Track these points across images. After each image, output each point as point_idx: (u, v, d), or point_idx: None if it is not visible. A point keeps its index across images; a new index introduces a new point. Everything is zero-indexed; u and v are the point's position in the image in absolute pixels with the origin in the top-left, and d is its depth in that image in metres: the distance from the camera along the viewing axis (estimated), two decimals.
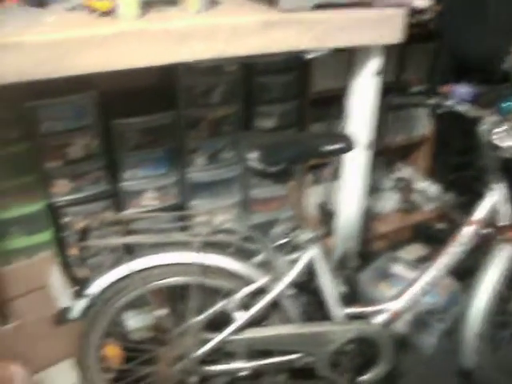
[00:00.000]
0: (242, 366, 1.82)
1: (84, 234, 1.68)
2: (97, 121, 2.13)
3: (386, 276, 2.54)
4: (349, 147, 1.64)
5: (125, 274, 1.65)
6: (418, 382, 2.19)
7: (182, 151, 2.31)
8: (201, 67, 2.12)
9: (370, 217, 2.70)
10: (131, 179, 2.27)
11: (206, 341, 1.76)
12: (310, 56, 1.91)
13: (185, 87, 2.20)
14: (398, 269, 2.54)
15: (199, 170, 2.36)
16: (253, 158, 1.55)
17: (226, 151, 2.36)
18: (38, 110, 2.05)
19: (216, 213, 1.76)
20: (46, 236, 2.24)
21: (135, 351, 1.83)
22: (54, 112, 2.09)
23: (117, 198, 2.28)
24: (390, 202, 2.92)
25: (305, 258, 1.72)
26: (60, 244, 2.26)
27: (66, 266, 2.25)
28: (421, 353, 2.33)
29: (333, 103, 2.47)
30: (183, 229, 1.75)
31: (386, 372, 1.92)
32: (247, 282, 1.72)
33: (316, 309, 1.86)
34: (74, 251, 2.22)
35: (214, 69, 2.19)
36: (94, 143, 2.16)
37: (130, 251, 1.67)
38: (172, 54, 1.69)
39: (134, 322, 2.09)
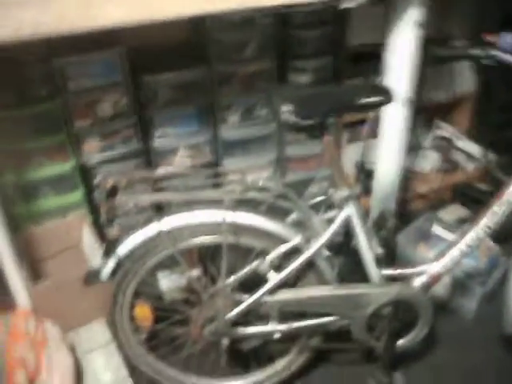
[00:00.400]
0: (274, 328, 1.77)
1: (113, 192, 1.63)
2: (126, 77, 2.09)
3: (424, 237, 2.45)
4: (387, 100, 1.55)
5: (154, 233, 1.60)
6: (457, 348, 2.11)
7: (215, 108, 2.25)
8: (233, 20, 2.04)
9: (408, 176, 2.61)
10: (162, 137, 2.23)
11: (239, 302, 1.71)
12: (344, 5, 1.81)
13: (216, 41, 2.13)
14: (438, 230, 2.45)
15: (232, 128, 2.30)
16: (286, 111, 1.47)
17: (259, 108, 2.29)
18: (66, 67, 2.02)
19: (249, 171, 1.69)
20: (77, 196, 2.22)
21: (167, 312, 1.80)
22: (83, 69, 2.05)
23: (148, 157, 2.24)
24: (429, 161, 2.82)
25: (341, 216, 1.65)
26: (91, 204, 2.23)
27: (98, 226, 2.22)
28: (460, 317, 2.25)
29: (370, 58, 2.36)
30: (215, 187, 1.69)
31: (423, 337, 1.86)
32: (281, 241, 1.65)
33: (352, 270, 1.79)
34: (104, 210, 2.21)
35: (246, 22, 2.11)
36: (123, 100, 2.12)
37: (160, 210, 1.62)
38: (202, 5, 1.60)
39: (167, 282, 2.05)
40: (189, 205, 1.62)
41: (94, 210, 2.25)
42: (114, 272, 1.66)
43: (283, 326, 1.76)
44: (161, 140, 2.23)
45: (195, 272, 1.88)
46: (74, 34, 1.52)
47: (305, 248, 1.66)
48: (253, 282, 1.73)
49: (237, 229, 1.60)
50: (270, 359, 1.94)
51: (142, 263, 1.67)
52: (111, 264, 1.65)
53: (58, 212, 2.23)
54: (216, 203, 1.60)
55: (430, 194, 2.74)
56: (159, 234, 1.60)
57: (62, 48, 1.98)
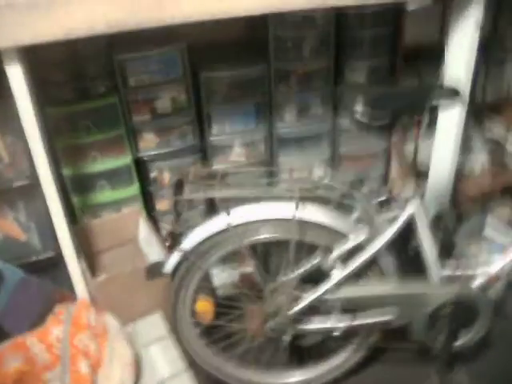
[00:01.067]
0: (335, 325, 1.77)
1: (179, 187, 1.64)
2: (185, 73, 2.11)
3: (475, 239, 2.44)
4: (457, 101, 1.55)
5: (222, 228, 1.61)
6: (509, 351, 2.10)
7: (271, 106, 2.26)
8: (294, 18, 2.04)
9: (458, 177, 2.59)
10: (219, 134, 2.25)
11: (300, 298, 1.72)
12: (411, 7, 1.81)
13: (276, 39, 2.14)
14: (489, 232, 2.44)
15: (288, 126, 2.31)
16: (359, 110, 1.47)
17: (316, 106, 2.29)
18: (126, 63, 2.05)
19: (311, 169, 1.70)
20: (133, 190, 2.24)
21: (224, 307, 1.81)
22: (143, 65, 2.08)
23: (204, 153, 2.25)
24: (478, 163, 2.80)
25: (405, 214, 1.65)
26: (146, 198, 2.25)
27: (153, 220, 2.24)
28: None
29: (425, 58, 2.36)
30: (279, 184, 1.70)
31: (480, 338, 1.85)
32: (346, 238, 1.66)
33: (411, 269, 1.79)
34: (162, 205, 2.23)
35: (306, 20, 2.11)
36: (181, 97, 2.14)
37: (224, 206, 1.62)
38: (272, 2, 1.61)
39: (220, 278, 2.07)
40: (256, 201, 1.63)
41: (149, 204, 2.27)
42: (178, 266, 1.68)
43: (344, 323, 1.77)
44: (217, 137, 2.24)
45: (251, 267, 1.89)
46: (143, 28, 1.54)
47: (369, 245, 1.66)
48: (312, 279, 1.74)
49: (304, 225, 1.61)
50: (326, 356, 1.93)
51: (207, 258, 1.67)
52: (175, 258, 1.66)
53: (113, 206, 2.26)
54: (283, 200, 1.61)
55: (480, 196, 2.72)
56: (227, 229, 1.60)
57: (122, 44, 2.02)
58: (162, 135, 2.19)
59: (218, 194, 1.59)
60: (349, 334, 1.84)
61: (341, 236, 1.66)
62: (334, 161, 2.43)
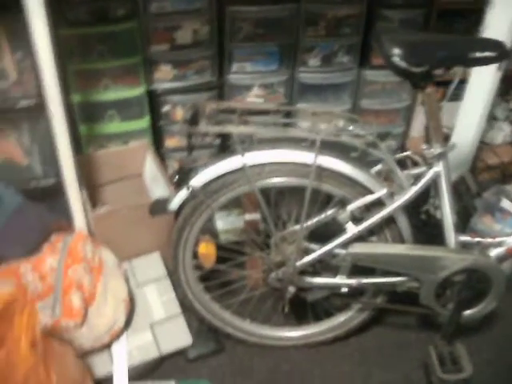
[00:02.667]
0: (342, 281, 1.70)
1: (194, 119, 1.54)
2: (210, 5, 2.00)
3: (492, 210, 2.35)
4: (502, 56, 1.45)
5: (236, 167, 1.52)
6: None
7: (296, 49, 2.17)
8: None
9: (478, 146, 2.50)
10: (239, 72, 2.16)
11: (310, 250, 1.64)
12: None
13: None
14: (506, 204, 2.35)
15: (311, 71, 2.23)
16: (397, 54, 1.37)
17: (341, 54, 2.19)
18: None
19: (336, 115, 1.60)
20: (143, 123, 2.16)
21: (228, 252, 1.73)
22: None
23: (221, 91, 2.16)
24: (501, 133, 2.71)
25: (430, 173, 1.56)
26: (157, 133, 2.16)
27: (161, 157, 2.16)
28: None
29: (461, 15, 2.25)
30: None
31: (490, 310, 1.77)
32: (365, 192, 1.56)
33: (422, 233, 1.70)
34: (171, 142, 2.14)
35: None
36: (204, 29, 2.04)
37: (240, 145, 1.52)
38: None
39: (225, 223, 1.98)
40: (274, 142, 1.54)
41: (158, 140, 2.18)
42: (183, 204, 1.59)
43: (352, 281, 1.69)
44: (236, 75, 2.15)
45: (256, 215, 1.81)
46: None
47: (388, 202, 1.57)
48: (326, 232, 1.66)
49: (322, 173, 1.52)
50: (329, 313, 1.86)
51: (216, 198, 1.58)
52: (183, 195, 1.57)
53: (121, 138, 2.18)
54: (302, 143, 1.51)
55: (500, 167, 2.63)
56: (241, 169, 1.51)
57: None
58: (179, 68, 2.10)
59: (235, 129, 1.49)
60: (356, 293, 1.76)
61: (360, 188, 1.56)
62: (355, 113, 2.33)
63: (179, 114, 2.13)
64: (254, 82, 2.18)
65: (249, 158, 1.50)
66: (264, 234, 1.74)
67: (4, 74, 1.89)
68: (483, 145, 2.63)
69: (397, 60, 1.38)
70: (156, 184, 2.04)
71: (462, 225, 1.72)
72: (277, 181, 1.55)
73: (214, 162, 1.55)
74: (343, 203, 1.60)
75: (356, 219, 1.60)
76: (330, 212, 1.63)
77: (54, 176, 1.97)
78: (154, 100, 2.11)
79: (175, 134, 2.19)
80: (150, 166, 2.10)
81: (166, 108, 2.14)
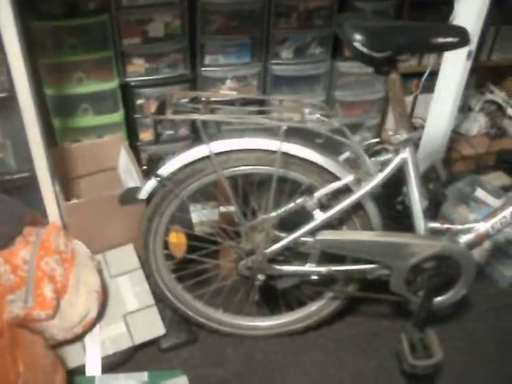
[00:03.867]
0: (312, 269, 1.71)
1: (162, 108, 1.55)
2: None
3: (466, 199, 2.38)
4: (464, 42, 1.46)
5: (202, 155, 1.53)
6: (490, 315, 2.04)
7: (268, 41, 2.18)
8: None
9: (453, 137, 2.52)
10: (211, 65, 2.18)
11: (279, 238, 1.65)
12: None
13: None
14: (481, 194, 2.37)
15: (284, 63, 2.24)
16: (359, 40, 1.38)
17: (313, 46, 2.20)
18: None
19: (303, 103, 1.61)
20: (117, 117, 2.16)
21: (199, 241, 1.74)
22: None
23: (194, 84, 2.16)
24: (477, 124, 2.73)
25: (397, 159, 1.57)
26: (130, 126, 2.16)
27: (135, 150, 2.16)
28: (496, 285, 2.18)
29: (431, 7, 2.27)
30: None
31: (460, 297, 1.79)
32: (332, 179, 1.58)
33: (399, 224, 1.71)
34: (145, 135, 2.15)
35: None
36: (175, 22, 2.06)
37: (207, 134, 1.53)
38: None
39: (199, 215, 1.99)
40: (239, 131, 1.55)
41: (132, 133, 2.18)
42: (154, 193, 1.60)
43: (321, 269, 1.70)
44: (209, 68, 2.16)
45: (230, 207, 1.82)
46: None
47: (356, 189, 1.58)
48: (295, 221, 1.66)
49: (288, 160, 1.53)
50: (301, 303, 1.87)
51: (185, 186, 1.59)
52: (151, 184, 1.58)
53: (95, 131, 2.18)
54: (269, 131, 1.52)
55: (474, 158, 2.65)
56: (208, 158, 1.52)
57: None
58: (151, 61, 2.11)
59: (199, 117, 1.49)
60: (327, 281, 1.78)
61: (327, 175, 1.57)
62: (328, 105, 2.35)
63: (152, 107, 2.13)
64: (226, 74, 2.19)
65: (215, 146, 1.51)
66: (235, 223, 1.74)
67: None
68: (458, 136, 2.66)
69: (358, 46, 1.39)
70: (129, 177, 2.04)
71: (433, 212, 1.72)
72: (243, 169, 1.57)
73: (181, 151, 1.56)
74: (311, 191, 1.61)
75: (324, 206, 1.61)
76: (298, 200, 1.63)
77: (27, 170, 1.96)
78: (127, 93, 2.12)
79: (149, 128, 2.19)
80: (123, 160, 2.10)
81: (139, 101, 2.14)
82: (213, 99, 1.62)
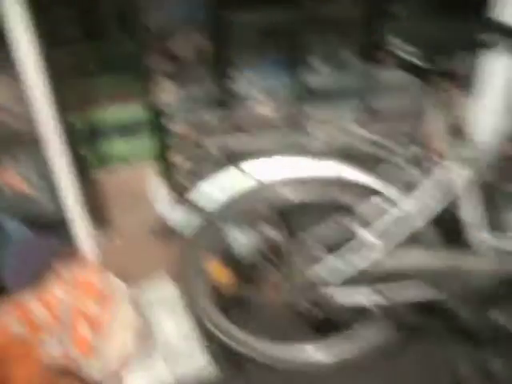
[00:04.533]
0: (363, 296, 1.59)
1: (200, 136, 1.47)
2: (210, 15, 1.93)
3: None
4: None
5: (248, 184, 1.44)
6: None
7: (301, 53, 2.09)
8: None
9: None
10: (243, 84, 2.08)
11: (323, 262, 1.54)
12: None
13: None
14: None
15: (319, 77, 2.13)
16: (409, 52, 1.28)
17: (348, 55, 2.11)
18: (144, 1, 1.86)
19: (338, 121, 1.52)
20: (146, 142, 2.08)
21: (242, 271, 1.65)
22: (163, 3, 1.89)
23: (225, 103, 2.07)
24: None
25: (451, 171, 1.45)
26: (162, 152, 2.09)
27: (169, 176, 2.08)
28: None
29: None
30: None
31: None
32: (374, 195, 1.47)
33: (453, 239, 1.58)
34: (177, 159, 2.06)
35: None
36: (204, 41, 1.96)
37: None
38: None
39: (239, 240, 1.89)
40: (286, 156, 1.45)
41: (164, 159, 2.10)
42: (195, 224, 1.51)
43: (373, 295, 1.59)
44: (240, 86, 2.07)
45: (271, 230, 1.72)
46: None
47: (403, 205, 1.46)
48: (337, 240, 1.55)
49: (341, 184, 1.44)
50: (351, 328, 1.76)
51: (228, 217, 1.50)
52: (193, 217, 1.49)
53: (124, 159, 2.10)
54: (320, 155, 1.43)
55: None
56: (255, 186, 1.43)
57: None
58: (181, 83, 2.02)
59: (245, 145, 1.41)
60: (377, 307, 1.65)
61: (370, 192, 1.47)
62: (365, 115, 2.24)
63: (183, 130, 2.06)
64: (259, 91, 2.10)
65: (262, 174, 1.42)
66: (279, 249, 1.64)
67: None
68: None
69: (406, 56, 1.29)
70: (163, 205, 1.96)
71: (496, 229, 1.58)
72: (294, 196, 1.46)
73: (224, 181, 1.46)
74: (353, 209, 1.51)
75: (369, 224, 1.50)
76: (341, 220, 1.53)
77: (59, 205, 1.90)
78: (156, 117, 2.04)
79: (180, 151, 2.11)
80: (155, 186, 2.02)
81: (169, 125, 2.06)
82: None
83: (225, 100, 2.08)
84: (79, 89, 1.92)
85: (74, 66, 1.88)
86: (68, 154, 1.67)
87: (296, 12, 1.99)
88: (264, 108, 2.10)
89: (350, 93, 2.19)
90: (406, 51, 1.30)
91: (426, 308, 1.64)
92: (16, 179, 1.95)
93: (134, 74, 1.95)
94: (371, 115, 2.24)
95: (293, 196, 1.46)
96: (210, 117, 2.02)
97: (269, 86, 2.11)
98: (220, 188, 1.46)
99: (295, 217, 1.60)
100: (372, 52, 2.13)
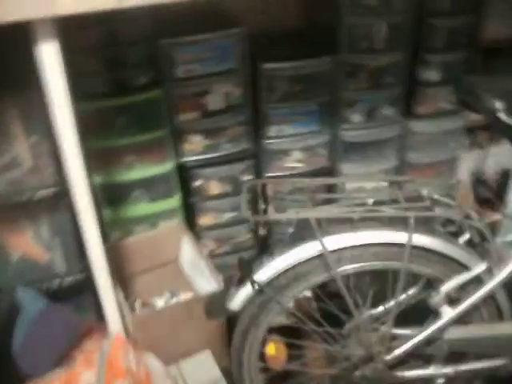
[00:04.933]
0: (438, 371, 1.45)
1: (254, 203, 1.32)
2: (244, 64, 1.81)
3: None
4: None
5: (312, 255, 1.28)
6: None
7: (337, 105, 1.98)
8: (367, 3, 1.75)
9: None
10: (276, 136, 1.96)
11: (399, 338, 1.40)
12: None
13: (347, 26, 1.85)
14: None
15: (355, 128, 2.03)
16: (502, 108, 1.16)
17: (386, 106, 2.00)
18: (172, 50, 1.75)
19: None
20: (173, 202, 1.95)
21: (299, 348, 1.49)
22: (192, 52, 1.77)
23: (257, 159, 1.95)
24: None
25: None
26: (189, 211, 1.97)
27: (196, 236, 1.93)
28: None
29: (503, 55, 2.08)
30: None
31: None
32: (460, 268, 1.33)
33: None
34: (205, 219, 1.92)
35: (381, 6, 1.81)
36: (236, 92, 1.85)
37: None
38: None
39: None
40: (351, 222, 1.31)
41: (190, 218, 1.95)
42: (249, 301, 1.34)
43: (448, 370, 1.45)
44: (274, 139, 1.96)
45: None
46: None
47: (487, 278, 1.34)
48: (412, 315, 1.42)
49: (412, 252, 1.29)
50: None
51: (288, 291, 1.34)
52: (246, 292, 1.32)
53: (150, 220, 1.96)
54: (393, 221, 1.29)
55: None
56: (319, 256, 1.28)
57: (168, 28, 1.71)
58: (211, 137, 1.90)
59: (318, 215, 1.26)
60: (451, 381, 1.52)
61: (455, 265, 1.33)
62: (402, 169, 2.14)
63: (213, 188, 1.92)
64: (293, 145, 1.99)
65: (328, 243, 1.27)
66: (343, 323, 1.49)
67: (17, 162, 1.67)
68: None
69: (503, 116, 1.17)
70: (195, 270, 1.81)
71: None
72: (361, 265, 1.32)
73: (282, 251, 1.31)
74: (432, 282, 1.37)
75: (451, 300, 1.36)
76: (418, 293, 1.40)
77: (79, 271, 1.72)
78: (184, 175, 1.90)
79: (209, 211, 1.97)
80: (185, 249, 1.87)
81: (197, 183, 1.93)
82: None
83: (255, 154, 1.95)
84: (104, 145, 1.76)
85: (99, 121, 1.73)
86: (95, 214, 1.51)
87: (332, 61, 1.89)
88: (296, 161, 1.98)
89: (386, 145, 2.09)
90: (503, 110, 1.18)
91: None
92: (31, 244, 1.77)
93: (160, 128, 1.83)
94: (410, 169, 2.15)
95: (362, 266, 1.33)
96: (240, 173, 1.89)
97: (302, 139, 2.00)
98: (280, 260, 1.31)
99: (365, 288, 1.46)
100: (410, 103, 2.05)
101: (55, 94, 1.31)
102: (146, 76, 1.76)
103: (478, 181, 2.28)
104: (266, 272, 1.31)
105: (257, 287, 1.30)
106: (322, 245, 1.26)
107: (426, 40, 1.98)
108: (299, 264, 1.30)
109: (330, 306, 1.44)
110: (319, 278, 1.33)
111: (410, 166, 2.17)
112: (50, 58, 1.27)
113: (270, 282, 1.31)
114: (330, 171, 2.04)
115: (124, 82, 1.75)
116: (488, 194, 2.18)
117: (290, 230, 1.34)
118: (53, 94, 1.31)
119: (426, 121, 2.10)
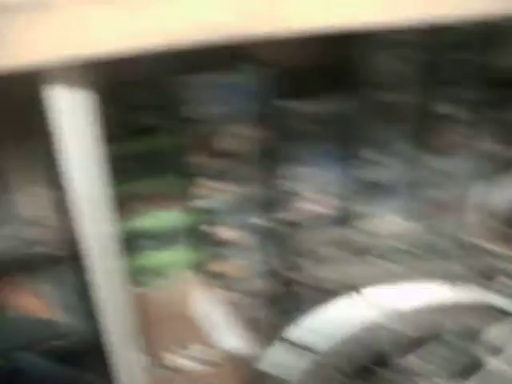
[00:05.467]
0: None
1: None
2: (263, 104, 1.74)
3: None
4: None
5: (368, 317, 1.19)
6: None
7: (353, 144, 1.92)
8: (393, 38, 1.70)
9: None
10: (292, 179, 1.90)
11: None
12: None
13: (368, 65, 1.80)
14: None
15: (371, 167, 1.97)
16: None
17: (401, 143, 1.96)
18: (185, 90, 1.68)
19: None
20: (185, 251, 1.88)
21: None
22: (207, 92, 1.71)
23: (270, 202, 1.89)
24: None
25: None
26: (203, 262, 1.89)
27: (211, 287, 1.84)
28: None
29: None
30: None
31: None
32: (502, 316, 1.27)
33: None
34: (218, 267, 1.83)
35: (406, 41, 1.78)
36: (251, 133, 1.78)
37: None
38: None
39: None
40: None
41: (203, 267, 1.86)
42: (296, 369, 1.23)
43: None
44: (290, 182, 1.90)
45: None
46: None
47: None
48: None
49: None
50: None
51: (346, 362, 1.23)
52: (303, 361, 1.21)
53: (161, 271, 1.90)
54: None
55: None
56: (374, 319, 1.19)
57: (179, 67, 1.61)
58: (223, 181, 1.83)
59: (366, 271, 1.18)
60: None
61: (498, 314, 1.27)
62: (418, 206, 2.09)
63: (226, 235, 1.83)
64: (309, 187, 1.93)
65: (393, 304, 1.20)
66: None
67: (17, 214, 1.63)
68: None
69: None
70: (213, 322, 1.70)
71: None
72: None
73: (336, 315, 1.23)
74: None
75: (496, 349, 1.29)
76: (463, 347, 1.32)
77: (88, 330, 1.59)
78: (197, 222, 1.83)
79: (222, 258, 1.88)
80: (201, 303, 1.77)
81: (211, 229, 1.83)
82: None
83: (270, 197, 1.87)
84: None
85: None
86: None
87: (351, 100, 1.84)
88: (313, 204, 1.90)
89: (406, 183, 2.04)
90: None
91: None
92: (35, 303, 1.68)
93: (170, 173, 1.77)
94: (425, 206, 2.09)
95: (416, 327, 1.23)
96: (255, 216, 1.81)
97: (319, 180, 1.94)
98: (329, 321, 1.22)
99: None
100: (429, 140, 2.00)
101: (72, 140, 1.22)
102: (155, 118, 1.72)
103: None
104: (319, 339, 1.21)
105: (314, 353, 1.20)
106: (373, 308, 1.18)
107: (442, 75, 1.93)
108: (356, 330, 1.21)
109: None
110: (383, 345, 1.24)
111: (426, 202, 2.12)
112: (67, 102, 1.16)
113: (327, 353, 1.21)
114: (347, 214, 1.98)
115: (130, 126, 1.70)
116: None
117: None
118: (68, 141, 1.21)
119: (442, 157, 2.02)
